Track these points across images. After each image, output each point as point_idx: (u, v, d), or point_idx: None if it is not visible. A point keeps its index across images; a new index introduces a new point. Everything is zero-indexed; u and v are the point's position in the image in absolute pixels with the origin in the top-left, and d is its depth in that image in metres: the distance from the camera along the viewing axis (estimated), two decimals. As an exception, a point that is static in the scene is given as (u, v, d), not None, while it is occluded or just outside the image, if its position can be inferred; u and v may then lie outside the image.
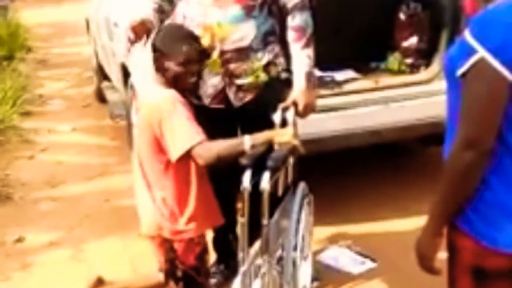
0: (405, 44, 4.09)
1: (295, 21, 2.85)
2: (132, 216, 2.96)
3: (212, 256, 3.03)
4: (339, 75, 3.99)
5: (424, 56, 4.05)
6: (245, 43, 2.81)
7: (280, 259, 2.63)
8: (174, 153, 2.39)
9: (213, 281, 3.06)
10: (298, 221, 2.67)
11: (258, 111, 2.76)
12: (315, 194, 2.93)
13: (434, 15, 4.03)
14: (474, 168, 1.66)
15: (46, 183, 4.66)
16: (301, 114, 2.82)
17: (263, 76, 2.87)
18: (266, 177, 2.31)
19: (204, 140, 2.37)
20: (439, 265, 1.82)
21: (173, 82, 2.49)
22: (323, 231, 3.61)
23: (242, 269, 2.33)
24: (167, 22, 2.87)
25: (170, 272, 2.58)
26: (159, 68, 2.50)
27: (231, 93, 2.89)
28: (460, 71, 1.66)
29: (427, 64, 4.01)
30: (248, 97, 2.89)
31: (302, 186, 2.80)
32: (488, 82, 1.62)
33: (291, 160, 2.68)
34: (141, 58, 3.57)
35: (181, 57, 2.46)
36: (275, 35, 2.92)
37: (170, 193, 2.49)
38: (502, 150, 1.67)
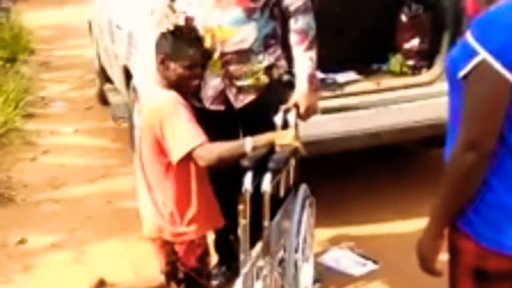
0: (407, 46, 4.09)
1: (297, 24, 2.85)
2: (134, 218, 2.96)
3: (213, 258, 3.03)
4: (341, 77, 3.98)
5: (426, 58, 4.04)
6: (245, 45, 2.81)
7: (281, 260, 2.63)
8: (175, 155, 2.38)
9: (214, 283, 3.06)
10: (299, 222, 2.66)
11: (259, 113, 2.76)
12: (317, 196, 2.92)
13: (435, 16, 4.02)
14: (476, 170, 1.66)
15: (48, 185, 4.67)
16: (303, 116, 2.82)
17: (264, 78, 2.87)
18: (267, 179, 2.31)
19: (205, 142, 2.36)
20: (441, 267, 1.81)
21: (177, 84, 2.47)
22: (325, 233, 3.61)
23: (243, 270, 2.33)
24: (168, 22, 2.86)
25: (171, 274, 2.58)
26: (163, 70, 2.47)
27: (231, 95, 2.89)
28: (461, 73, 1.65)
29: (429, 66, 4.01)
30: (248, 98, 2.89)
31: (303, 187, 2.80)
32: (490, 84, 1.61)
33: (292, 162, 2.67)
34: (143, 60, 3.59)
35: (188, 61, 2.44)
36: (276, 38, 2.92)
37: (171, 195, 2.48)
38: (503, 151, 1.66)
